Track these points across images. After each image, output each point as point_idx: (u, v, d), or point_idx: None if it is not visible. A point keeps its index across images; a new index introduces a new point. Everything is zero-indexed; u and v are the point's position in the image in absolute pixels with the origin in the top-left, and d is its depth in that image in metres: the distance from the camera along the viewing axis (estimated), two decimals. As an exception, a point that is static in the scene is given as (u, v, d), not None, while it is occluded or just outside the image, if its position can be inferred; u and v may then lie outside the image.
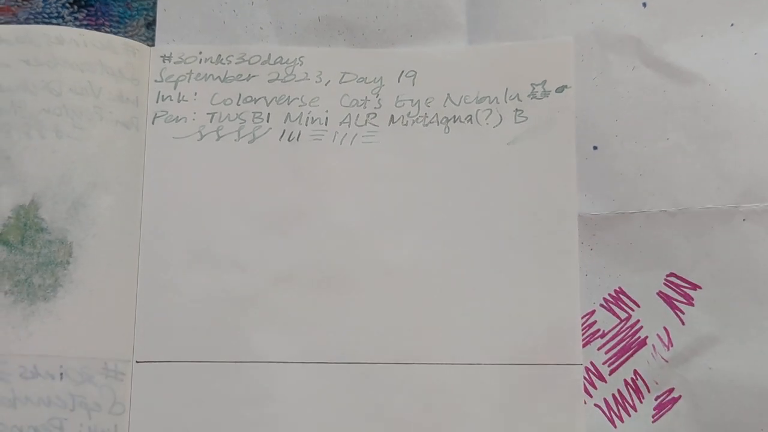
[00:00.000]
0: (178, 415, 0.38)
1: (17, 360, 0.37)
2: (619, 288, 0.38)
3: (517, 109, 0.39)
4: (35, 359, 0.37)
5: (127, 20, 0.41)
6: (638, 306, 0.38)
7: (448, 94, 0.40)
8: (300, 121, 0.40)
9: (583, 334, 0.38)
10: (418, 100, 0.40)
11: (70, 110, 0.39)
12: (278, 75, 0.40)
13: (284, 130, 0.40)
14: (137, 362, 0.38)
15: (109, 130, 0.39)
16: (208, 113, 0.40)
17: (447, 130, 0.40)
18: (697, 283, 0.38)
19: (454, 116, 0.40)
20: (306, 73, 0.40)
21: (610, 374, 0.38)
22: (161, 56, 0.41)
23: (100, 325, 0.38)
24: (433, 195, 0.39)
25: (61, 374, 0.37)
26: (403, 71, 0.40)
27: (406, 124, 0.40)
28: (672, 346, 0.38)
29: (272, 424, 0.38)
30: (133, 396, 0.38)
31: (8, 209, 0.38)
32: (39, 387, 0.37)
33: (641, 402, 0.38)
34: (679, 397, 0.37)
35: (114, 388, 0.38)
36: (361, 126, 0.40)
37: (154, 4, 0.41)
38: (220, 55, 0.41)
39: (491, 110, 0.40)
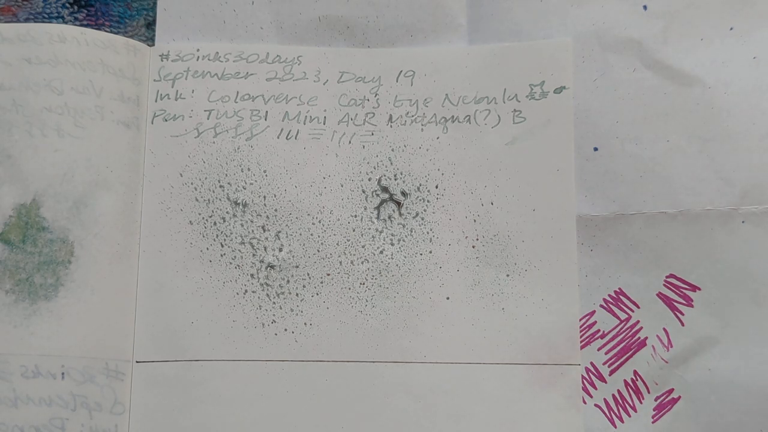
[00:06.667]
0: (178, 415, 0.40)
1: (18, 359, 0.38)
2: (619, 289, 0.40)
3: (515, 110, 0.41)
4: (36, 359, 0.38)
5: (127, 20, 0.43)
6: (638, 307, 0.40)
7: (447, 95, 0.41)
8: (298, 119, 0.42)
9: (583, 335, 0.40)
10: (417, 100, 0.41)
11: (71, 109, 0.40)
12: (276, 74, 0.42)
13: (282, 129, 0.42)
14: (137, 362, 0.40)
15: (110, 129, 0.40)
16: (205, 110, 0.42)
17: (445, 130, 0.41)
18: (697, 285, 0.39)
19: (453, 116, 0.41)
20: (304, 72, 0.42)
21: (610, 375, 0.39)
22: (159, 55, 0.42)
23: (101, 325, 0.39)
24: (432, 195, 0.41)
25: (63, 374, 0.38)
26: (401, 71, 0.42)
27: (404, 124, 0.41)
28: (672, 347, 0.39)
29: (272, 424, 0.40)
30: (133, 396, 0.39)
31: (10, 208, 0.39)
32: (40, 387, 0.38)
33: (641, 402, 0.39)
34: (679, 397, 0.39)
35: (115, 388, 0.39)
36: (360, 125, 0.42)
37: (154, 4, 0.42)
38: (217, 53, 0.42)
39: (489, 110, 0.41)
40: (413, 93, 0.42)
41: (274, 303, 0.40)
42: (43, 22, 0.42)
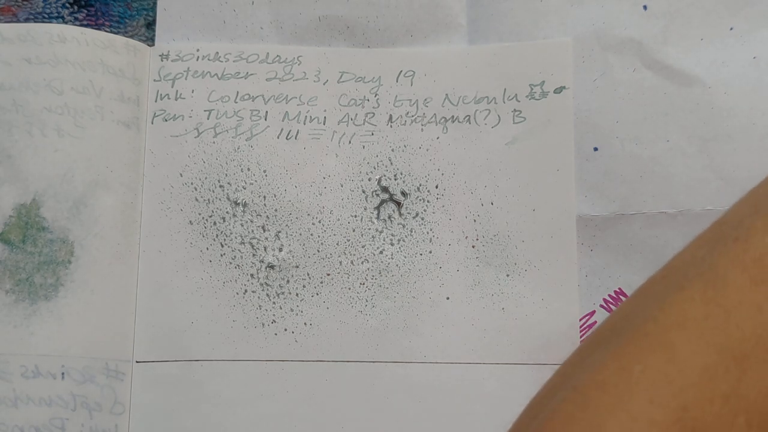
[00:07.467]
0: (178, 415, 0.40)
1: (18, 359, 0.38)
2: (619, 289, 0.40)
3: (515, 110, 0.41)
4: (36, 359, 0.39)
5: (127, 20, 0.43)
6: (638, 307, 0.40)
7: (447, 95, 0.42)
8: (298, 119, 0.42)
9: (583, 335, 0.40)
10: (417, 100, 0.42)
11: (71, 109, 0.40)
12: (276, 74, 0.42)
13: (282, 129, 0.42)
14: (137, 362, 0.40)
15: (110, 129, 0.41)
16: (205, 110, 0.42)
17: (445, 130, 0.41)
18: (697, 285, 0.39)
19: (453, 116, 0.41)
20: (304, 72, 0.42)
21: (609, 375, 0.40)
22: (159, 55, 0.42)
23: (101, 325, 0.40)
24: (432, 195, 0.41)
25: (63, 374, 0.39)
26: (401, 71, 0.42)
27: (404, 124, 0.42)
28: (671, 347, 0.39)
29: (272, 424, 0.40)
30: (133, 396, 0.40)
31: (10, 208, 0.40)
32: (40, 387, 0.38)
33: (640, 403, 0.39)
34: (678, 398, 0.39)
35: (115, 388, 0.39)
36: (360, 125, 0.42)
37: (154, 4, 0.43)
38: (217, 53, 0.42)
39: (489, 110, 0.41)
40: (413, 93, 0.42)
41: (274, 303, 0.41)
42: (43, 22, 0.42)
